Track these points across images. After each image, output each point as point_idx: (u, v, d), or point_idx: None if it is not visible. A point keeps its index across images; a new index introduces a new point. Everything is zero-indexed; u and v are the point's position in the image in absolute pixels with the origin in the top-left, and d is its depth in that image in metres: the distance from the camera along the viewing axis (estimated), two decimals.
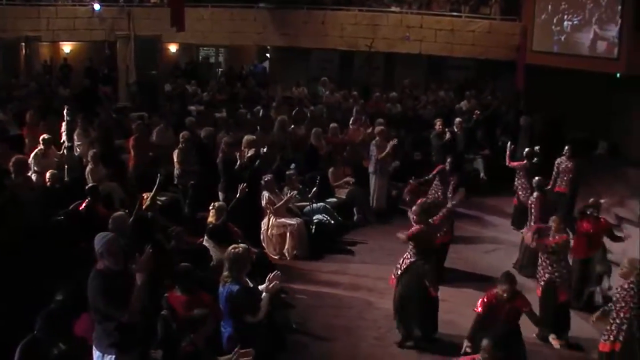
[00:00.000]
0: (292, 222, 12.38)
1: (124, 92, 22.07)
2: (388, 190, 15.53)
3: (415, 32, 23.17)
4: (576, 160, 14.09)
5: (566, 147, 14.26)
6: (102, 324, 6.33)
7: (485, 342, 6.58)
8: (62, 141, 13.00)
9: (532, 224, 11.78)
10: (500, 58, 23.03)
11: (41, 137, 12.49)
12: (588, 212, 10.77)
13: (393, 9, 23.71)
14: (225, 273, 7.05)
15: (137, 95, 21.15)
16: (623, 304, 8.02)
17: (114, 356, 6.34)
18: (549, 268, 9.53)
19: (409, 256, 9.47)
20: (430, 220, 9.64)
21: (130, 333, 6.35)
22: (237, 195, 10.67)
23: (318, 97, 21.34)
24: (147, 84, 21.31)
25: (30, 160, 12.05)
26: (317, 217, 13.13)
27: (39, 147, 12.37)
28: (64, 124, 13.05)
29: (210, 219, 10.40)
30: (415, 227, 9.42)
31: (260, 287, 7.16)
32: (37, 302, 7.64)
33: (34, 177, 11.82)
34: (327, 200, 14.06)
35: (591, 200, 11.05)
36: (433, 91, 22.31)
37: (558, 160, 14.24)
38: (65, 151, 12.67)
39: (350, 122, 17.10)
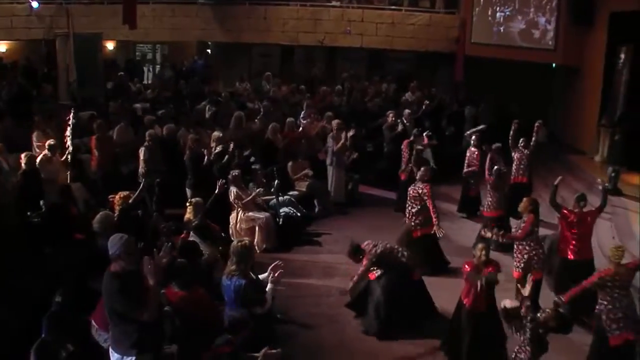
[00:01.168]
0: (260, 216, 12.57)
1: (64, 91, 21.71)
2: (345, 182, 15.82)
3: (357, 26, 23.52)
4: (532, 151, 14.53)
5: (521, 139, 14.65)
6: (120, 325, 6.39)
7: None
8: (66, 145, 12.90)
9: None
10: (440, 50, 23.62)
11: (47, 143, 12.36)
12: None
13: (334, 3, 24.00)
14: (233, 267, 7.23)
15: (77, 94, 20.83)
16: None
17: (134, 357, 6.42)
18: (526, 249, 9.92)
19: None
20: None
21: (149, 332, 6.45)
22: (216, 191, 10.78)
23: (262, 92, 21.42)
24: (88, 83, 21.00)
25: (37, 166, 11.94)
26: (283, 210, 13.33)
27: (45, 153, 12.26)
28: (69, 128, 12.93)
29: (188, 215, 10.53)
30: None
31: (261, 277, 7.33)
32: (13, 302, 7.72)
33: None
34: (289, 193, 14.26)
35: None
36: (376, 84, 22.64)
37: (514, 151, 14.65)
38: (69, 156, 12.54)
39: (301, 116, 17.32)
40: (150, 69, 28.17)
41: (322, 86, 21.44)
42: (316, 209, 14.88)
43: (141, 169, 13.32)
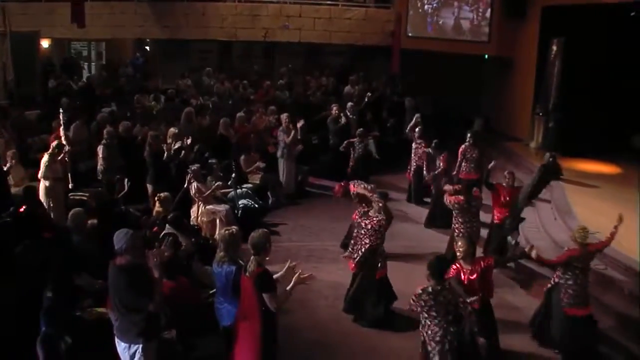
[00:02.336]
0: (221, 209, 12.89)
1: (2, 90, 21.54)
2: (295, 174, 16.29)
3: (295, 21, 23.91)
4: (481, 146, 15.19)
5: (468, 135, 15.26)
6: (127, 316, 6.74)
7: None
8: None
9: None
10: (376, 44, 24.24)
11: (54, 143, 12.29)
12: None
13: None
14: (221, 254, 7.58)
15: (15, 93, 20.67)
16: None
17: (140, 345, 6.78)
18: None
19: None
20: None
21: (154, 321, 6.84)
22: (185, 185, 11.10)
23: (203, 87, 21.65)
24: (26, 82, 20.87)
25: (43, 164, 11.93)
26: (242, 202, 13.74)
27: (50, 152, 12.15)
28: (61, 128, 13.03)
29: (157, 209, 10.83)
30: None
31: (276, 275, 7.60)
32: None
33: (46, 183, 11.84)
34: (244, 186, 14.64)
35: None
36: (316, 77, 23.12)
37: (462, 147, 15.13)
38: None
39: (243, 111, 17.66)
40: (86, 67, 27.93)
41: (263, 81, 21.79)
42: (270, 201, 15.28)
43: (100, 166, 13.50)
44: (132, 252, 6.64)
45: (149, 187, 12.91)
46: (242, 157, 15.56)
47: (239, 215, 13.37)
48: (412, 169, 15.98)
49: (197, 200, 12.68)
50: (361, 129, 16.93)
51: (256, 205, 13.95)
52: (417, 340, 8.58)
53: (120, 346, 6.86)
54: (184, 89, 21.05)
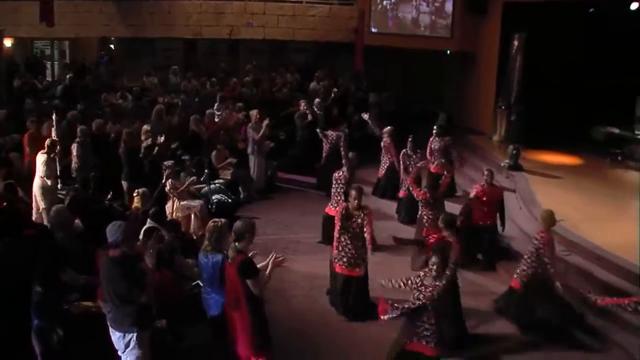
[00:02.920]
0: (195, 204, 13.13)
1: None
2: (265, 169, 16.57)
3: (259, 19, 24.17)
4: (446, 138, 15.56)
5: (435, 127, 15.68)
6: (121, 307, 6.97)
7: None
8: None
9: None
10: (340, 41, 24.57)
11: (47, 142, 12.37)
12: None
13: None
14: (207, 245, 7.86)
15: None
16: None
17: (135, 334, 7.04)
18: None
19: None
20: None
21: (147, 311, 7.10)
22: (163, 181, 11.32)
23: (170, 85, 21.78)
24: None
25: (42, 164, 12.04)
26: (215, 197, 13.98)
27: (45, 151, 12.20)
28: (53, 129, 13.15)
29: (136, 204, 11.04)
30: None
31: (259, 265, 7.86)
32: None
33: (48, 182, 11.99)
34: (216, 181, 14.87)
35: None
36: (281, 74, 23.38)
37: (431, 140, 15.57)
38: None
39: (215, 108, 17.88)
40: (49, 66, 27.84)
41: (230, 78, 22.00)
42: (242, 196, 15.52)
43: (74, 164, 13.61)
44: (126, 244, 6.88)
45: (124, 184, 13.05)
46: (213, 154, 15.76)
47: (213, 210, 13.60)
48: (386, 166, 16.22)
49: (171, 196, 12.88)
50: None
51: (229, 200, 14.20)
52: (392, 326, 9.01)
53: (115, 335, 7.09)
54: (150, 87, 21.16)
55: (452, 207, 12.85)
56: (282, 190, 16.94)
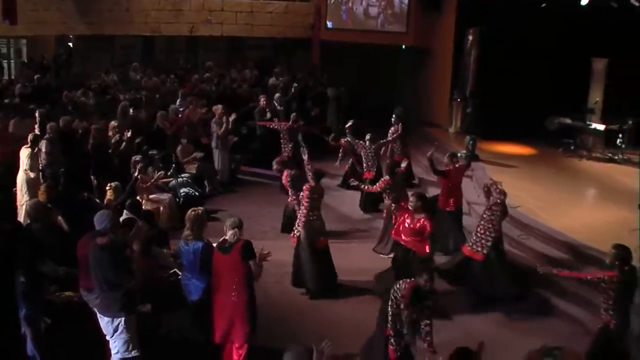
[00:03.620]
0: (164, 197, 13.45)
1: None
2: (229, 163, 16.90)
3: (217, 15, 24.39)
4: (404, 128, 16.06)
5: (393, 117, 16.23)
6: (109, 292, 7.31)
7: None
8: None
9: None
10: (297, 36, 24.96)
11: (30, 136, 12.56)
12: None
13: None
14: (187, 232, 8.21)
15: None
16: (489, 225, 10.41)
17: (123, 318, 7.38)
18: None
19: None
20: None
21: (133, 296, 7.44)
22: (136, 174, 11.60)
23: (130, 82, 21.92)
24: None
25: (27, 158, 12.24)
26: (183, 190, 14.28)
27: (28, 147, 12.36)
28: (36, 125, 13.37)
29: (109, 197, 11.28)
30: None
31: None
32: None
33: (32, 175, 12.28)
34: (182, 175, 15.15)
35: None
36: (239, 70, 23.67)
37: (391, 130, 16.15)
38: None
39: (178, 104, 18.13)
40: (5, 64, 27.70)
41: (190, 75, 22.24)
42: (207, 189, 15.82)
43: (42, 160, 13.73)
44: (115, 231, 7.20)
45: (93, 179, 13.25)
46: (179, 148, 16.03)
47: (180, 203, 13.90)
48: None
49: (141, 189, 13.15)
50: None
51: (196, 193, 14.51)
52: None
53: (104, 321, 7.41)
54: (110, 84, 21.27)
55: None
56: (245, 183, 17.32)
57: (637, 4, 15.91)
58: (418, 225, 10.10)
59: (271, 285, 11.02)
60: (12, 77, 24.06)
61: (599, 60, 18.86)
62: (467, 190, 13.58)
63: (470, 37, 20.06)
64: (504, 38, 18.49)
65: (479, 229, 10.66)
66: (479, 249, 10.57)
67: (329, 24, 24.53)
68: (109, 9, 23.66)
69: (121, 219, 10.09)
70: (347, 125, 16.21)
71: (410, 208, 10.28)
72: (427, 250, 10.09)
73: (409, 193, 11.72)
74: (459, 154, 13.32)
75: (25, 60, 25.81)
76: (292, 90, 20.20)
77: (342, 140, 16.13)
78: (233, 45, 26.65)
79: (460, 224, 12.66)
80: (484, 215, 10.66)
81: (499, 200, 10.49)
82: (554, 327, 10.02)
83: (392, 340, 7.81)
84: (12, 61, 27.71)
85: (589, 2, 17.03)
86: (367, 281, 11.08)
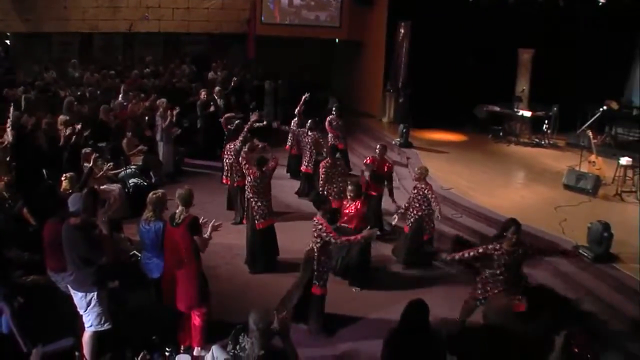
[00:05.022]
0: (113, 188, 13.91)
1: None
2: (173, 155, 17.44)
3: (154, 12, 24.83)
4: (343, 119, 16.84)
5: (334, 107, 16.99)
6: (82, 269, 7.88)
7: None
8: None
9: None
10: (233, 31, 25.59)
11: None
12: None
13: None
14: (149, 214, 8.84)
15: None
16: (416, 204, 11.53)
17: (95, 293, 7.96)
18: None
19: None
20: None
21: (104, 272, 8.02)
22: (90, 165, 12.09)
23: (70, 78, 22.17)
24: None
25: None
26: (132, 181, 14.75)
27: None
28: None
29: (65, 187, 11.74)
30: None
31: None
32: None
33: None
34: (129, 167, 15.63)
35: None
36: (177, 65, 24.15)
37: (328, 118, 16.90)
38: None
39: (120, 98, 18.55)
40: None
41: (128, 70, 22.62)
42: (153, 179, 16.31)
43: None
44: (86, 212, 7.78)
45: (44, 171, 13.65)
46: (124, 141, 16.47)
47: (130, 192, 14.39)
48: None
49: (92, 180, 13.59)
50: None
51: (145, 184, 14.96)
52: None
53: (77, 296, 7.98)
54: (50, 81, 21.49)
55: None
56: (189, 174, 17.84)
57: None
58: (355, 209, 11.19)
59: (222, 267, 11.86)
60: None
61: (525, 50, 19.91)
62: (403, 176, 14.40)
63: (402, 31, 20.96)
64: (434, 31, 19.42)
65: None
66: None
67: (264, 19, 25.12)
68: (46, 7, 23.76)
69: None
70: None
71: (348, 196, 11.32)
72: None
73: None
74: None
75: None
76: (232, 84, 20.75)
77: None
78: (170, 41, 27.00)
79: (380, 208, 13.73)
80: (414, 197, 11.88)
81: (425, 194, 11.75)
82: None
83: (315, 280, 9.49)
84: None
85: None
86: None
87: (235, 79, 21.16)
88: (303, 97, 17.20)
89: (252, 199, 11.82)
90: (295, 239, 11.90)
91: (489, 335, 6.20)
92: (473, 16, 19.16)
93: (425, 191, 11.62)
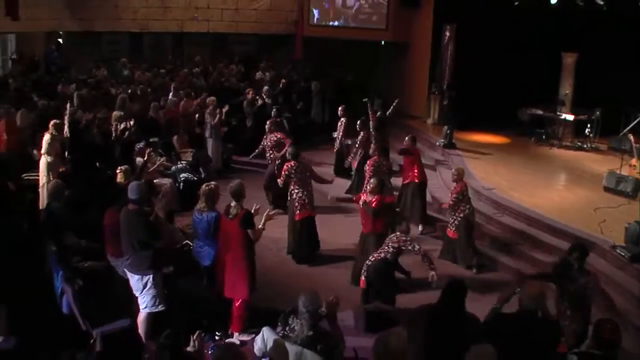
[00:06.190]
0: (165, 182, 14.38)
1: None
2: (221, 152, 17.91)
3: (203, 13, 25.35)
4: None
5: (375, 102, 17.32)
6: (139, 252, 8.38)
7: None
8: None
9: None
10: (280, 32, 26.01)
11: (52, 123, 13.34)
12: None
13: None
14: (202, 204, 9.32)
15: None
16: (459, 206, 11.92)
17: (151, 276, 8.45)
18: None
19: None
20: None
21: (160, 256, 8.48)
22: (145, 159, 12.55)
23: (121, 76, 22.75)
24: None
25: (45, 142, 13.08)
26: (182, 175, 15.24)
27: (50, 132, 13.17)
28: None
29: (120, 179, 12.23)
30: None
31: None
32: None
33: (48, 159, 13.05)
34: (180, 162, 16.13)
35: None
36: (226, 65, 24.65)
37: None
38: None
39: (171, 96, 19.07)
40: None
41: (178, 69, 23.17)
42: (202, 175, 16.77)
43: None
44: (143, 200, 8.28)
45: (98, 165, 14.17)
46: (175, 137, 16.99)
47: (180, 187, 14.88)
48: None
49: (145, 174, 14.08)
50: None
51: (195, 178, 15.43)
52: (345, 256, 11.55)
53: (134, 278, 8.48)
54: (101, 78, 22.10)
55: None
56: (236, 171, 18.25)
57: (601, 2, 17.13)
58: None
59: (269, 259, 12.30)
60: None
61: (569, 54, 19.99)
62: (446, 176, 14.71)
63: (447, 33, 21.21)
64: (478, 34, 19.65)
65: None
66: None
67: (315, 12, 25.65)
68: (98, 6, 24.33)
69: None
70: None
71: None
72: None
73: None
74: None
75: (14, 57, 26.38)
76: (281, 85, 21.21)
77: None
78: (218, 41, 27.52)
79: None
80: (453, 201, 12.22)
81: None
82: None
83: None
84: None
85: (558, 0, 18.19)
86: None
87: (283, 81, 21.59)
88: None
89: (292, 190, 12.48)
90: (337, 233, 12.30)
91: (523, 320, 6.46)
92: (517, 19, 19.26)
93: (465, 191, 12.06)
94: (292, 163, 12.69)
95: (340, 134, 17.47)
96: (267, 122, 16.39)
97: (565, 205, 13.92)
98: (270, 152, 15.47)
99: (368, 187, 11.36)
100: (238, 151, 19.19)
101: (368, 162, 13.55)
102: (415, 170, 13.95)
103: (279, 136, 15.59)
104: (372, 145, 14.74)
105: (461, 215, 12.04)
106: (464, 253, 12.13)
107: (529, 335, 6.26)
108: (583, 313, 8.39)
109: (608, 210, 13.34)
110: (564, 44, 19.68)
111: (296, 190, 12.36)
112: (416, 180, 13.93)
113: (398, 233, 10.41)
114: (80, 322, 8.32)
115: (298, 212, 12.34)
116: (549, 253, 11.90)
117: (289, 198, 12.77)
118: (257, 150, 16.03)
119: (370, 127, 15.80)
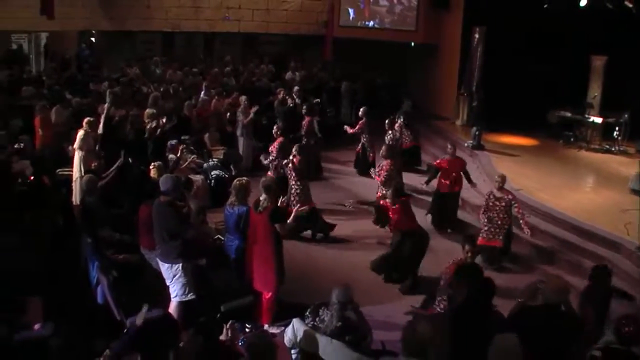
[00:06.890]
0: (196, 178, 14.62)
1: None
2: (252, 150, 18.12)
3: (234, 13, 25.59)
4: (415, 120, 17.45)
5: (405, 103, 17.51)
6: (169, 242, 8.63)
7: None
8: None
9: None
10: (310, 33, 26.20)
11: (85, 120, 13.57)
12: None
13: None
14: (233, 199, 9.55)
15: None
16: (504, 215, 11.97)
17: (181, 264, 8.68)
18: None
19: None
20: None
21: (190, 246, 8.72)
22: (178, 155, 12.82)
23: (153, 75, 23.06)
24: None
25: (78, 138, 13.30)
26: (214, 173, 15.47)
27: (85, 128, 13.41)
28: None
29: (153, 175, 12.47)
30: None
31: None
32: None
33: (81, 154, 13.24)
34: (212, 159, 16.37)
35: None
36: (257, 65, 24.92)
37: (398, 123, 17.50)
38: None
39: (203, 94, 19.33)
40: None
41: (209, 68, 23.46)
42: (233, 173, 16.99)
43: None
44: (175, 192, 8.63)
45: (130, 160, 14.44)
46: (206, 135, 17.24)
47: (211, 184, 15.11)
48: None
49: (177, 170, 14.33)
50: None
51: (226, 175, 15.65)
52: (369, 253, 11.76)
53: (164, 267, 8.78)
54: (134, 77, 22.40)
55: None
56: (266, 169, 18.38)
57: (630, 5, 17.14)
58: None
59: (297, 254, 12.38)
60: (32, 70, 25.01)
61: (597, 57, 19.98)
62: (474, 177, 14.78)
63: (477, 35, 21.30)
64: (508, 36, 19.74)
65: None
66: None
67: (351, 12, 25.87)
68: (130, 5, 24.64)
69: None
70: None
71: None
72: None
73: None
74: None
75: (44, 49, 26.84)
76: (311, 86, 21.43)
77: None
78: (248, 41, 27.83)
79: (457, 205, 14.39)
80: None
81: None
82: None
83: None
84: (32, 56, 28.69)
85: (587, 3, 18.21)
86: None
87: (314, 80, 21.82)
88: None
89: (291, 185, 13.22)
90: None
91: (548, 313, 6.59)
92: (546, 22, 19.31)
93: (511, 200, 12.09)
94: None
95: (364, 135, 17.65)
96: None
97: (592, 207, 13.98)
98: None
99: (387, 196, 11.39)
100: (268, 149, 19.37)
101: (383, 166, 13.71)
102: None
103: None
104: (383, 147, 14.81)
105: (506, 225, 12.15)
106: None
107: (555, 327, 6.39)
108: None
109: (634, 212, 13.36)
110: (593, 46, 19.66)
111: (295, 186, 13.10)
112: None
113: None
114: (114, 311, 8.56)
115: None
116: (577, 254, 12.09)
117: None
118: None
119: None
